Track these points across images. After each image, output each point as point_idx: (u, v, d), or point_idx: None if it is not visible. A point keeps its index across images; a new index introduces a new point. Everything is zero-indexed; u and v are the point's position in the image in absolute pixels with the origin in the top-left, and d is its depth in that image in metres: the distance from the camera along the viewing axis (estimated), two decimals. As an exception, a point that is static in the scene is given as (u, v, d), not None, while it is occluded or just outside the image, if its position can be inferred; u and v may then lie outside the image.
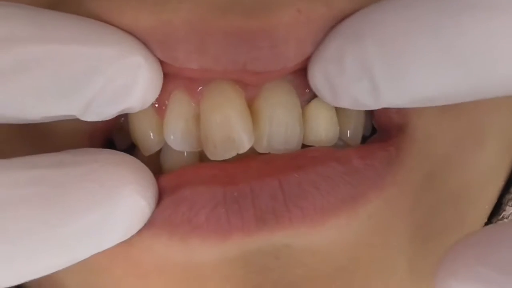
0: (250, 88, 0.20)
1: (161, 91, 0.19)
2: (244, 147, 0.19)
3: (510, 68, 0.14)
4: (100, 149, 0.18)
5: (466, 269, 0.14)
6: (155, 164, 0.22)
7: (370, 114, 0.22)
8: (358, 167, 0.18)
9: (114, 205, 0.15)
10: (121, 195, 0.16)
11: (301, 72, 0.19)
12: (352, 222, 0.18)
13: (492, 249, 0.14)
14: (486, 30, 0.14)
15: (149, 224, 0.17)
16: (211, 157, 0.20)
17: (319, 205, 0.17)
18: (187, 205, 0.17)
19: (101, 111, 0.16)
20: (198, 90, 0.20)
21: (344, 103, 0.17)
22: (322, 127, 0.21)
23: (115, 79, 0.16)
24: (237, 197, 0.17)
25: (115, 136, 0.23)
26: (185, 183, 0.18)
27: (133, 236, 0.17)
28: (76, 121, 0.17)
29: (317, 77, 0.17)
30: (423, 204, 0.19)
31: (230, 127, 0.19)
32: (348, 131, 0.22)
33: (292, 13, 0.16)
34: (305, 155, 0.19)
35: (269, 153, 0.20)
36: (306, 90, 0.20)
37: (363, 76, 0.16)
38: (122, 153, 0.18)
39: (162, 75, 0.18)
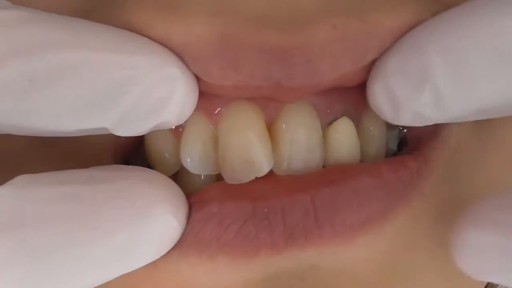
0: (269, 110, 0.19)
1: None
2: (263, 170, 0.19)
3: None
4: (131, 166, 0.17)
5: (482, 216, 0.15)
6: None
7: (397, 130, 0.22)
8: (389, 180, 0.17)
9: (145, 225, 0.15)
10: (153, 214, 0.15)
11: (323, 93, 0.19)
12: (379, 239, 0.17)
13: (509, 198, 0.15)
14: None
15: (178, 244, 0.16)
16: (229, 181, 0.19)
17: (349, 222, 0.17)
18: (216, 222, 0.16)
19: (136, 125, 0.16)
20: (216, 111, 0.19)
21: (406, 119, 0.17)
22: (344, 150, 0.20)
23: (152, 90, 0.15)
24: (267, 213, 0.16)
25: (131, 158, 0.22)
26: (212, 199, 0.17)
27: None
28: (100, 138, 0.17)
29: (378, 93, 0.17)
30: (446, 217, 0.18)
31: (249, 150, 0.19)
32: (370, 154, 0.21)
33: (327, 29, 0.16)
34: (336, 169, 0.18)
35: None
36: (328, 111, 0.20)
37: (427, 85, 0.15)
38: (153, 171, 0.17)
39: (197, 90, 0.17)
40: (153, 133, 0.20)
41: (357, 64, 0.17)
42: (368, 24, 0.16)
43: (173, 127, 0.20)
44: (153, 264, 0.16)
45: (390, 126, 0.22)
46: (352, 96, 0.20)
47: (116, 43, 0.15)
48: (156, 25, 0.16)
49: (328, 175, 0.18)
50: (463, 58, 0.15)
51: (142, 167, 0.17)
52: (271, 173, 0.19)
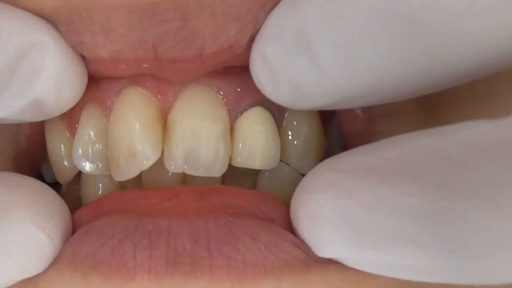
0: (167, 96, 0.17)
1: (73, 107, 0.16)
2: (146, 163, 0.17)
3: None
4: (8, 172, 0.16)
5: (315, 179, 0.14)
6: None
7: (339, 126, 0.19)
8: None
9: None
10: (7, 220, 0.14)
11: (233, 77, 0.17)
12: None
13: (339, 159, 0.14)
14: None
15: (56, 259, 0.15)
16: (115, 178, 0.17)
17: (253, 260, 0.14)
18: (95, 236, 0.14)
19: (6, 103, 0.14)
20: (109, 103, 0.17)
21: (284, 93, 0.14)
22: (256, 147, 0.17)
23: (17, 60, 0.14)
24: (150, 231, 0.14)
25: (43, 169, 0.21)
26: (102, 214, 0.15)
27: (39, 274, 0.15)
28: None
29: (255, 61, 0.15)
30: None
31: (133, 139, 0.16)
32: (295, 155, 0.18)
33: None
34: (258, 198, 0.16)
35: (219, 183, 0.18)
36: (239, 100, 0.17)
37: (303, 48, 0.13)
38: (28, 177, 0.15)
39: (84, 69, 0.16)
40: (50, 131, 0.19)
41: (246, 28, 0.14)
42: None
43: (70, 125, 0.18)
44: (33, 280, 0.15)
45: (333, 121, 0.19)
46: None
47: None
48: None
49: (242, 201, 0.15)
50: (338, 15, 0.12)
51: (18, 174, 0.16)
52: (174, 183, 0.17)
